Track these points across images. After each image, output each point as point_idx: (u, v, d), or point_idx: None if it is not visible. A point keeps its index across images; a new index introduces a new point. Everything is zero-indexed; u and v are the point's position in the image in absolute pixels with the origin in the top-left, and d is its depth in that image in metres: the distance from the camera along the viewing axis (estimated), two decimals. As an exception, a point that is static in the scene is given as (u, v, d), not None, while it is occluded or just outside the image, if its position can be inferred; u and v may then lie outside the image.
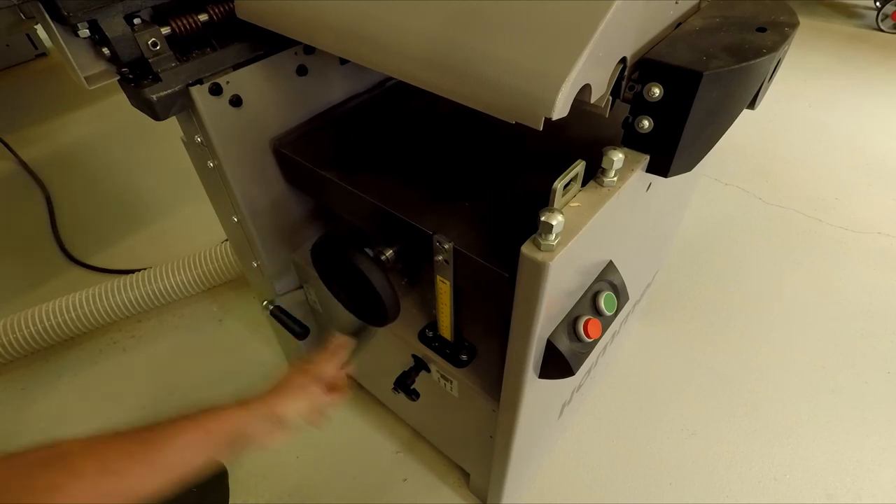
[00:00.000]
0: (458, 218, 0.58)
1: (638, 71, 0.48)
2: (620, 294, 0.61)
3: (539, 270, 0.45)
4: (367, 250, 0.64)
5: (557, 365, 0.58)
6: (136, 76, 0.57)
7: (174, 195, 1.74)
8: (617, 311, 0.60)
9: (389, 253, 0.66)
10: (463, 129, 0.73)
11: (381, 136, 0.73)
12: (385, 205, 0.60)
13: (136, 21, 0.55)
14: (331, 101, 0.76)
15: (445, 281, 0.60)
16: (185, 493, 0.66)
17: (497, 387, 0.67)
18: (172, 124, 0.66)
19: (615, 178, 0.50)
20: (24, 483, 0.37)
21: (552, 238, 0.44)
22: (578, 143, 0.67)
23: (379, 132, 0.73)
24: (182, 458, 0.46)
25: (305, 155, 0.69)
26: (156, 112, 0.57)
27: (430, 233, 0.56)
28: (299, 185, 0.77)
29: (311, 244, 0.70)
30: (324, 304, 0.94)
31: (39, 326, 1.19)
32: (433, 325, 0.77)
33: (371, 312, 0.69)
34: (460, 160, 0.68)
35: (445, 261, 0.57)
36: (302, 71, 0.69)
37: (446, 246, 0.55)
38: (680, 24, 0.54)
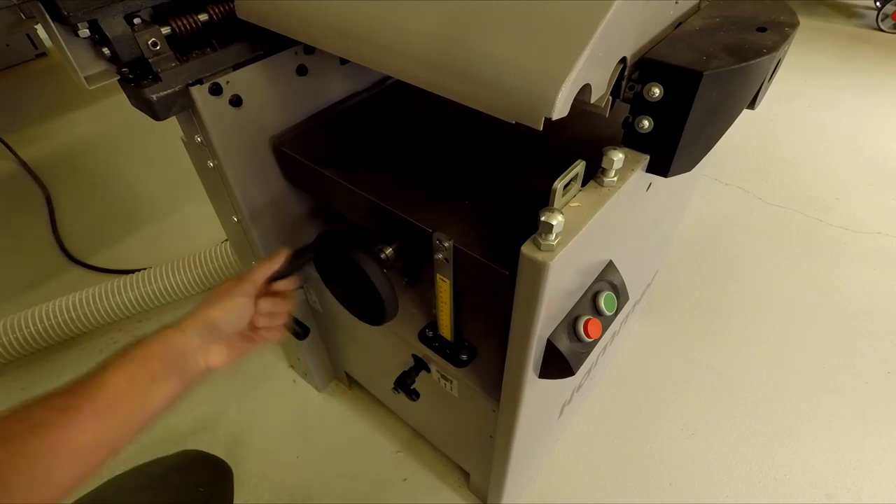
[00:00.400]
0: (458, 216, 0.58)
1: (638, 71, 0.48)
2: (620, 294, 0.61)
3: (539, 270, 0.45)
4: (366, 248, 0.64)
5: (557, 365, 0.58)
6: (136, 76, 0.57)
7: (174, 195, 1.74)
8: (617, 311, 0.60)
9: (389, 251, 0.66)
10: (463, 128, 0.73)
11: (380, 135, 0.73)
12: (385, 202, 0.60)
13: (136, 21, 0.55)
14: (331, 100, 0.76)
15: (445, 279, 0.60)
16: (192, 491, 0.66)
17: (497, 387, 0.67)
18: (172, 124, 0.66)
19: (615, 178, 0.50)
20: None
21: (552, 238, 0.44)
22: (578, 143, 0.67)
23: (379, 130, 0.73)
24: (121, 396, 0.43)
25: (305, 153, 0.69)
26: (156, 112, 0.57)
27: (429, 230, 0.56)
28: (299, 184, 0.77)
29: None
30: (324, 304, 0.94)
31: (39, 326, 1.19)
32: (433, 325, 0.77)
33: (370, 310, 0.68)
34: (460, 159, 0.68)
35: (445, 259, 0.57)
36: (302, 71, 0.69)
37: (446, 244, 0.55)
38: (680, 23, 0.54)
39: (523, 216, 0.50)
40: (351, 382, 1.19)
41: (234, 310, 0.53)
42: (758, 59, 0.47)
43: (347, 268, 0.64)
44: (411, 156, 0.69)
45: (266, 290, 0.58)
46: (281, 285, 0.60)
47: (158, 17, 0.57)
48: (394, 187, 0.63)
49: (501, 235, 0.55)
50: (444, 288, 0.62)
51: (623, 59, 0.45)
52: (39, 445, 0.38)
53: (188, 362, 0.49)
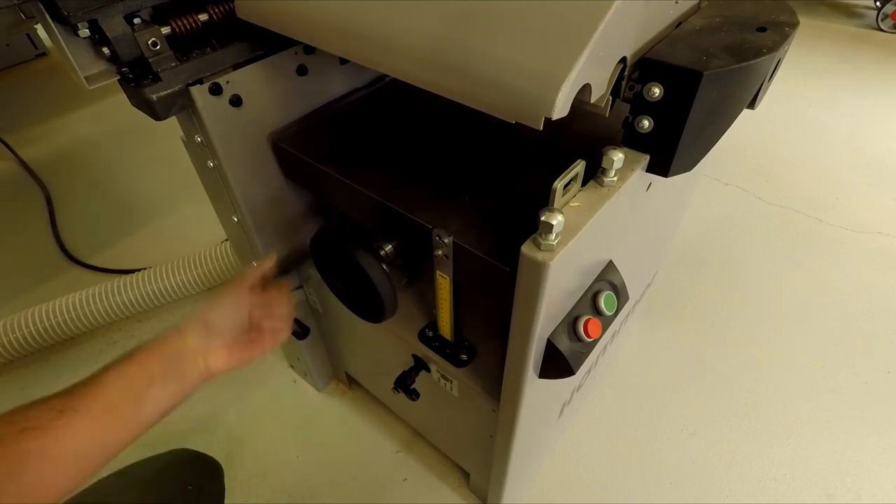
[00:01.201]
0: (458, 214, 0.58)
1: (638, 71, 0.48)
2: (620, 294, 0.61)
3: (539, 270, 0.45)
4: (365, 244, 0.64)
5: (557, 365, 0.58)
6: (136, 76, 0.57)
7: (174, 195, 1.74)
8: (617, 310, 0.60)
9: (388, 248, 0.66)
10: (463, 126, 0.73)
11: (380, 132, 0.73)
12: (384, 199, 0.60)
13: (136, 21, 0.55)
14: (331, 98, 0.76)
15: (445, 277, 0.60)
16: (181, 490, 0.66)
17: (497, 387, 0.67)
18: (172, 124, 0.66)
19: (615, 178, 0.50)
20: None
21: (552, 238, 0.44)
22: (578, 143, 0.67)
23: (378, 127, 0.73)
24: (118, 399, 0.42)
25: (304, 149, 0.69)
26: (156, 112, 0.57)
27: (429, 227, 0.56)
28: (298, 181, 0.77)
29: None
30: (324, 304, 0.94)
31: (39, 326, 1.19)
32: (433, 324, 0.77)
33: (369, 307, 0.68)
34: (460, 157, 0.68)
35: (445, 255, 0.57)
36: (302, 71, 0.69)
37: (446, 240, 0.55)
38: (680, 23, 0.54)
39: (523, 215, 0.50)
40: (351, 382, 1.18)
41: (226, 305, 0.55)
42: (758, 59, 0.47)
43: (346, 264, 0.64)
44: (411, 153, 0.69)
45: (260, 289, 0.60)
46: (274, 288, 0.61)
47: (158, 17, 0.57)
48: (393, 184, 0.63)
49: (501, 233, 0.55)
50: (443, 285, 0.62)
51: (623, 59, 0.45)
52: (31, 448, 0.37)
53: (188, 365, 0.49)
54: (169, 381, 0.47)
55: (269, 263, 0.62)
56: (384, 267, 0.64)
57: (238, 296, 0.56)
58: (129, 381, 0.44)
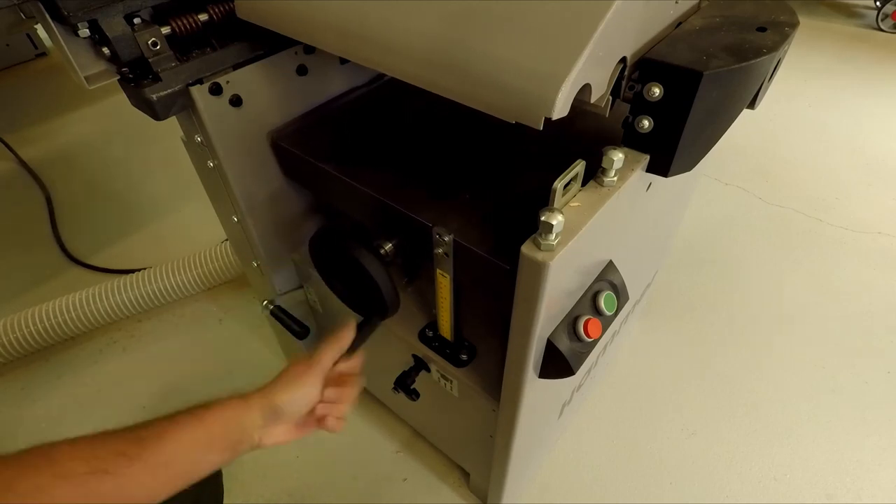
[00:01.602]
0: (458, 212, 0.58)
1: (638, 70, 0.48)
2: (620, 294, 0.61)
3: (539, 270, 0.45)
4: (365, 243, 0.64)
5: (557, 365, 0.58)
6: (136, 76, 0.58)
7: (174, 195, 1.74)
8: (617, 310, 0.60)
9: (389, 246, 0.66)
10: (463, 126, 0.73)
11: (380, 130, 0.73)
12: (384, 197, 0.60)
13: (136, 21, 0.55)
14: (330, 97, 0.76)
15: (445, 275, 0.60)
16: (179, 492, 0.66)
17: (497, 387, 0.67)
18: (172, 124, 0.66)
19: (615, 178, 0.50)
20: (7, 485, 0.36)
21: (552, 238, 0.44)
22: (578, 143, 0.67)
23: (378, 126, 0.73)
24: (179, 455, 0.44)
25: (304, 148, 0.69)
26: (156, 112, 0.57)
27: (429, 225, 0.56)
28: (298, 179, 0.77)
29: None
30: (324, 303, 0.94)
31: (39, 326, 1.19)
32: (433, 324, 0.77)
33: (370, 305, 0.68)
34: (460, 156, 0.68)
35: (445, 254, 0.57)
36: (302, 71, 0.69)
37: (446, 238, 0.55)
38: (680, 23, 0.54)
39: (523, 214, 0.50)
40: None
41: (302, 397, 0.54)
42: (758, 59, 0.47)
43: (346, 263, 0.64)
44: (410, 152, 0.69)
45: (332, 375, 0.57)
46: (345, 368, 0.59)
47: (158, 17, 0.57)
48: (393, 183, 0.63)
49: (502, 231, 0.55)
50: (443, 284, 0.62)
51: (623, 59, 0.45)
52: (98, 490, 0.39)
53: (245, 439, 0.50)
54: (225, 450, 0.48)
55: (346, 339, 0.58)
56: (384, 264, 0.64)
57: (313, 387, 0.54)
58: (192, 441, 0.46)
